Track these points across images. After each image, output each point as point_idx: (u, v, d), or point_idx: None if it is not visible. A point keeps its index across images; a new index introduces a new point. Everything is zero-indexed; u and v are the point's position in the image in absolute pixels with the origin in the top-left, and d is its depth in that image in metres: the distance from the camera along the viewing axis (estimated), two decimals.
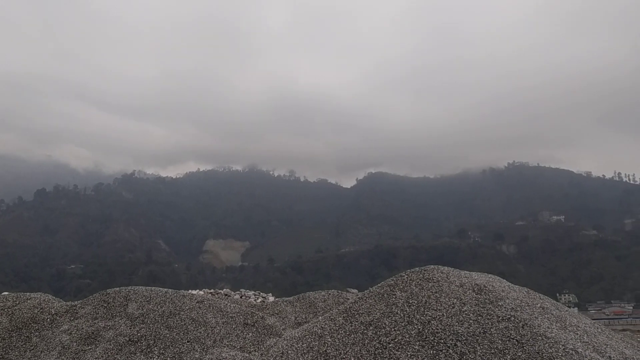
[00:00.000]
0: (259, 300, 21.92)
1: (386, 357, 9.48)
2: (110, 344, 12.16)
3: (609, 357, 9.93)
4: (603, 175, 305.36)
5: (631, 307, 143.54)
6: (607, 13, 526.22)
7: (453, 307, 10.28)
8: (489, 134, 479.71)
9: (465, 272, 12.34)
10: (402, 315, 10.36)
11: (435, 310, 10.26)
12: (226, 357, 11.56)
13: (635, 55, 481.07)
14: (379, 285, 12.05)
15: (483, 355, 8.99)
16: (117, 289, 14.73)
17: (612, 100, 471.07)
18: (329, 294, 16.66)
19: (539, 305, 11.28)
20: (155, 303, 13.77)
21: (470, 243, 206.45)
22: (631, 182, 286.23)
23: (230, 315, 13.99)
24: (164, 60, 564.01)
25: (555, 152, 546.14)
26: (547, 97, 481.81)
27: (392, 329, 10.05)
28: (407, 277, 11.63)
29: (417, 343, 9.53)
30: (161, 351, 11.92)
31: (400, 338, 9.78)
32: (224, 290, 25.53)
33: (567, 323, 11.05)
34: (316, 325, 11.29)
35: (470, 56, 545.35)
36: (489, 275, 12.67)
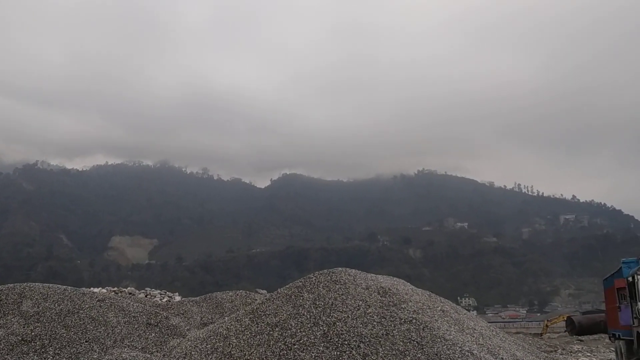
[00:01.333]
0: (165, 299, 21.40)
1: (290, 358, 9.52)
2: (1, 344, 11.45)
3: (502, 358, 10.47)
4: (504, 185, 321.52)
5: (525, 311, 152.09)
6: (515, 33, 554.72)
7: (358, 309, 10.48)
8: (401, 141, 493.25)
9: (372, 274, 12.62)
10: (308, 316, 10.44)
11: (341, 312, 10.42)
12: (126, 358, 11.19)
13: (537, 76, 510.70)
14: (287, 286, 12.09)
15: (385, 356, 9.22)
16: (11, 285, 13.90)
17: (513, 116, 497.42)
18: (237, 294, 16.53)
19: (439, 308, 11.72)
20: (53, 301, 13.10)
21: (380, 246, 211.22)
22: (529, 193, 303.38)
23: (133, 314, 13.56)
24: (74, 44, 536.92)
25: (462, 162, 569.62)
26: (455, 107, 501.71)
27: (298, 330, 10.11)
28: (315, 279, 11.74)
29: (322, 344, 9.64)
30: (57, 351, 11.36)
31: (305, 339, 9.85)
32: (128, 288, 24.72)
33: (465, 326, 11.55)
34: (222, 326, 11.16)
35: (386, 61, 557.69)
36: (394, 278, 13.04)
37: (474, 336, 11.18)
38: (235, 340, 10.47)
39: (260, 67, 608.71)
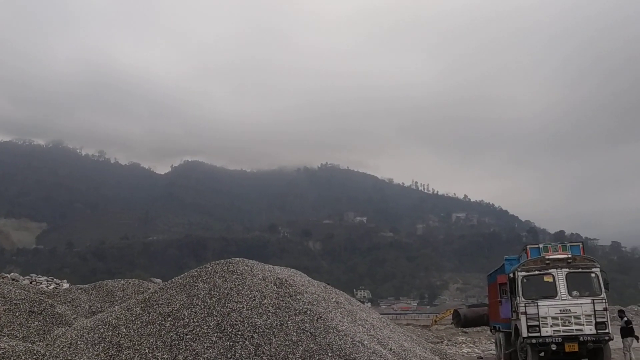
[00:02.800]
0: (52, 286, 20.32)
1: (182, 348, 9.35)
2: None
3: (391, 349, 10.85)
4: (403, 182, 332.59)
5: (416, 304, 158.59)
6: (425, 36, 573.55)
7: (254, 300, 10.46)
8: (306, 134, 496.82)
9: (270, 266, 12.64)
10: (202, 306, 10.30)
11: (236, 302, 10.35)
12: (5, 348, 10.51)
13: (441, 80, 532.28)
14: (181, 275, 11.85)
15: (278, 346, 9.27)
16: None
17: (415, 116, 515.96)
18: (129, 282, 15.97)
19: (334, 300, 11.95)
20: None
21: (280, 238, 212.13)
22: (425, 191, 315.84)
23: (14, 302, 12.76)
24: None
25: (364, 158, 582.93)
26: (360, 103, 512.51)
27: (191, 320, 9.94)
28: (211, 269, 11.59)
29: (215, 334, 9.54)
30: None
31: (198, 329, 9.70)
32: (12, 274, 23.22)
33: (358, 317, 11.87)
34: (111, 315, 10.75)
35: (293, 53, 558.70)
36: (292, 269, 13.14)
37: (365, 327, 11.49)
38: (124, 330, 10.12)
39: (167, 51, 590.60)
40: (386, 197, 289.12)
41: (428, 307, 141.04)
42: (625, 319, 18.62)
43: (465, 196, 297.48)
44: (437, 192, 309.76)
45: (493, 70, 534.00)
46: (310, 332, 9.75)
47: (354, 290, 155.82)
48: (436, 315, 65.89)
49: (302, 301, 10.74)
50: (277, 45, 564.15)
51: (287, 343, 9.38)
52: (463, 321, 46.42)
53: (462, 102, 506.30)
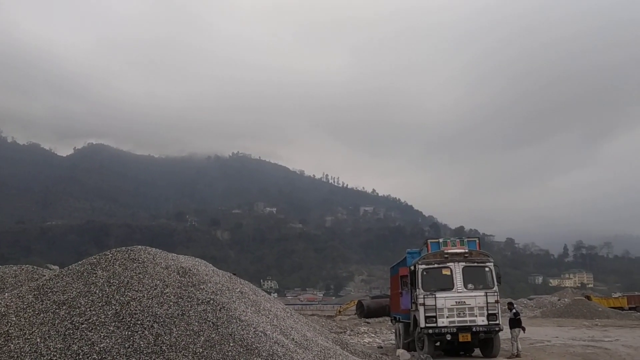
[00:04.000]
0: None
1: (77, 337, 8.99)
2: None
3: (293, 338, 10.96)
4: (314, 175, 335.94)
5: (322, 294, 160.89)
6: (342, 35, 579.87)
7: (155, 289, 10.22)
8: (218, 122, 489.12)
9: (174, 254, 12.38)
10: (100, 295, 9.93)
11: (136, 291, 10.07)
12: None
13: (354, 77, 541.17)
14: (79, 262, 11.36)
15: (179, 336, 9.12)
16: None
17: (328, 110, 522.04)
18: (22, 269, 15.07)
19: (238, 289, 11.89)
20: None
21: (187, 227, 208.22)
22: (335, 184, 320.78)
23: None
24: None
25: (276, 149, 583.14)
26: (274, 94, 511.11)
27: (88, 309, 9.57)
28: (111, 256, 11.19)
29: (113, 324, 9.24)
30: None
31: (95, 318, 9.36)
32: None
33: (262, 307, 11.89)
34: (0, 303, 10.15)
35: (207, 39, 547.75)
36: (197, 259, 12.93)
37: (269, 317, 11.54)
38: (14, 319, 9.59)
39: (73, 26, 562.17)
40: (297, 189, 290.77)
41: (334, 298, 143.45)
42: (515, 310, 19.81)
43: (374, 190, 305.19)
44: (347, 185, 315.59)
45: (402, 68, 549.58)
46: (212, 322, 9.66)
47: (261, 280, 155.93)
48: (340, 306, 67.24)
49: (206, 291, 10.62)
50: (192, 27, 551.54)
51: (188, 333, 9.25)
52: (366, 312, 47.62)
53: (370, 97, 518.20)
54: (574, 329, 33.07)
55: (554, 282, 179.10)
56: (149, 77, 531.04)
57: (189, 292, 10.36)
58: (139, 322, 9.26)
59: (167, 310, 9.68)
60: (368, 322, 40.56)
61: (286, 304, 29.01)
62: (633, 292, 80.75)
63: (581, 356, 17.61)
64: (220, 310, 10.07)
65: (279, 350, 9.54)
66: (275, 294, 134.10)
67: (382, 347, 23.86)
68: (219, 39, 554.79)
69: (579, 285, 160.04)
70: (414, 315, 19.09)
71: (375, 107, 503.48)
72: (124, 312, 9.49)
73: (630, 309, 64.19)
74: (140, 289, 10.14)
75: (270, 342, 9.69)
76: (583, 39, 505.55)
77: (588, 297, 65.21)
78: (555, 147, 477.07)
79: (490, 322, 17.85)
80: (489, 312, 17.90)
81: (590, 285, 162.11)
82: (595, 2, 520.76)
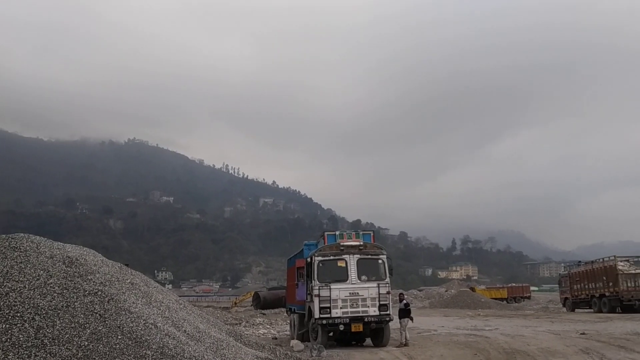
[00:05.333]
0: None
1: None
2: None
3: (185, 330, 10.75)
4: (213, 164, 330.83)
5: (218, 286, 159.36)
6: (249, 28, 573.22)
7: (38, 279, 9.65)
8: (113, 106, 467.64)
9: (60, 243, 11.74)
10: None
11: (16, 281, 9.46)
12: None
13: (259, 68, 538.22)
14: None
15: (62, 329, 8.68)
16: None
17: (229, 100, 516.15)
18: None
19: (128, 280, 11.48)
20: None
21: (77, 214, 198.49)
22: (235, 174, 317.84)
23: None
24: None
25: (174, 136, 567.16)
26: (174, 80, 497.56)
27: None
28: None
29: None
30: None
31: None
32: None
33: (153, 299, 11.55)
34: None
35: (105, 20, 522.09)
36: (85, 248, 12.33)
37: (160, 309, 11.25)
38: None
39: None
40: (195, 178, 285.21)
41: (230, 289, 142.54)
42: (405, 301, 20.56)
43: (274, 182, 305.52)
44: (247, 176, 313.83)
45: (308, 64, 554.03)
46: (99, 314, 9.27)
47: (155, 271, 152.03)
48: (237, 298, 66.98)
49: (93, 282, 10.16)
50: (88, 14, 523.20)
51: (72, 325, 8.81)
52: (262, 303, 47.73)
53: (277, 92, 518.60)
54: (458, 319, 34.87)
55: (442, 274, 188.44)
56: (38, 56, 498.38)
57: (75, 283, 9.87)
58: (18, 314, 8.71)
59: (51, 301, 9.18)
60: (264, 314, 40.62)
61: (180, 296, 28.45)
62: (512, 284, 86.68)
63: (464, 344, 18.59)
64: (108, 301, 9.68)
65: (169, 342, 9.33)
66: (170, 286, 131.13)
67: (276, 338, 24.00)
68: (118, 27, 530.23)
69: (465, 277, 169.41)
70: (309, 306, 19.34)
71: (278, 100, 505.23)
72: (2, 303, 8.89)
73: (509, 299, 68.88)
74: (21, 279, 9.53)
75: (161, 335, 9.46)
76: (482, 49, 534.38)
77: (472, 289, 69.23)
78: (447, 146, 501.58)
79: (381, 313, 18.43)
80: (381, 302, 18.47)
81: (475, 278, 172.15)
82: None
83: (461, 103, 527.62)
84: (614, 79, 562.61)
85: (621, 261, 39.23)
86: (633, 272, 38.36)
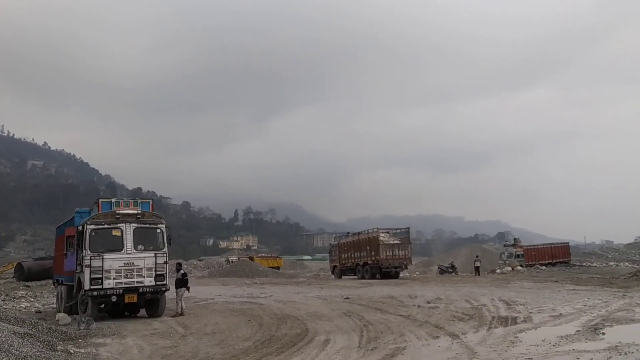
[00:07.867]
0: None
1: None
2: None
3: None
4: None
5: None
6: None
7: None
8: None
9: None
10: None
11: None
12: None
13: (34, 11, 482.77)
14: None
15: None
16: None
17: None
18: None
19: None
20: None
21: None
22: None
23: None
24: None
25: None
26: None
27: None
28: None
29: None
30: None
31: None
32: None
33: None
34: None
35: None
36: None
37: None
38: None
39: None
40: None
41: None
42: (182, 271, 20.51)
43: (45, 143, 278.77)
44: (13, 135, 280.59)
45: (83, 14, 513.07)
46: None
47: None
48: None
49: None
50: None
51: None
52: (26, 274, 43.99)
53: (51, 41, 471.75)
54: (236, 287, 35.82)
55: (223, 244, 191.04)
56: None
57: None
58: None
59: None
60: (28, 286, 37.27)
61: None
62: (287, 255, 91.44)
63: (239, 311, 19.19)
64: None
65: None
66: None
67: (40, 312, 22.25)
68: None
69: (246, 247, 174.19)
70: (79, 278, 18.29)
71: (52, 51, 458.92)
72: None
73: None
74: None
75: None
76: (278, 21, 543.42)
77: (251, 258, 71.56)
78: (232, 117, 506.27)
79: (157, 283, 18.15)
80: (157, 272, 18.17)
81: (255, 247, 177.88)
82: None
83: (247, 73, 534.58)
84: (383, 71, 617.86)
85: (382, 233, 43.87)
86: (392, 242, 43.17)
